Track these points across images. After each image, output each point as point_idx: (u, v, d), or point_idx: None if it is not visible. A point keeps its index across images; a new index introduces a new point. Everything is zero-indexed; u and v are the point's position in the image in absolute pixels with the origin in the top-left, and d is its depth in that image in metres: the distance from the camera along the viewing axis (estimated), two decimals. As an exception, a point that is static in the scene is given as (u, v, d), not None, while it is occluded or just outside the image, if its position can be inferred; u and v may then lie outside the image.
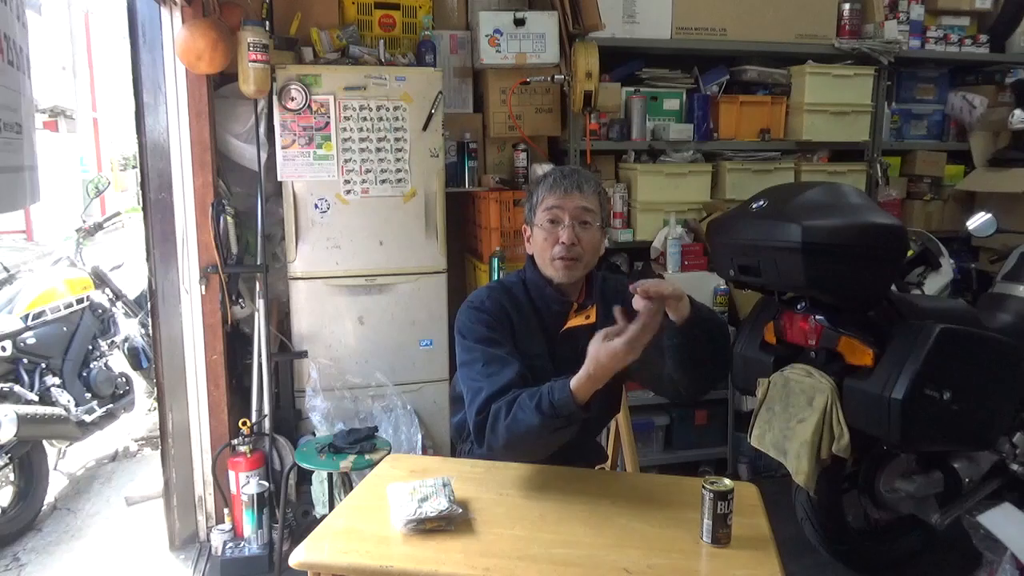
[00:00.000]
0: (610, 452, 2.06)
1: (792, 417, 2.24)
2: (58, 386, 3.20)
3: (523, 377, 1.57)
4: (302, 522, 2.85)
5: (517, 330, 1.70)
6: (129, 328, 3.81)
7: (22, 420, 2.80)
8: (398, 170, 2.89)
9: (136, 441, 3.95)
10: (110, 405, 3.49)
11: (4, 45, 1.17)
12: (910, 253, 2.84)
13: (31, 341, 3.12)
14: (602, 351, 1.39)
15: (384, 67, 2.87)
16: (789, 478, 2.27)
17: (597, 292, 1.78)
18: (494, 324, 1.67)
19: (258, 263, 2.83)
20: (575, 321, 1.71)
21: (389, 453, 2.53)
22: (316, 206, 2.83)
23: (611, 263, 3.43)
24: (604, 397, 1.63)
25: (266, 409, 2.83)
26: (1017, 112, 3.58)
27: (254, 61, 2.58)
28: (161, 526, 2.91)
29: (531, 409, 1.45)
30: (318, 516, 2.76)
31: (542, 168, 3.20)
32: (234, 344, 2.94)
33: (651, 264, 3.42)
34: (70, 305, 3.37)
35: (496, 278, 2.99)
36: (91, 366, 3.45)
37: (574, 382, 1.43)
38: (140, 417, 4.06)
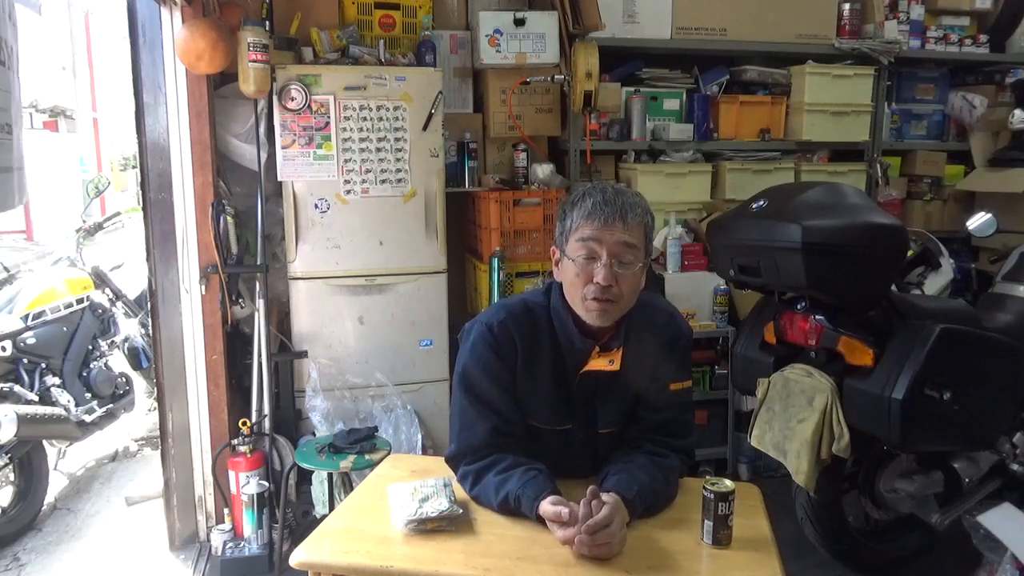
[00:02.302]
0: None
1: (792, 417, 2.24)
2: (58, 386, 3.20)
3: (496, 432, 1.51)
4: (302, 522, 2.84)
5: (524, 367, 1.54)
6: (129, 328, 3.81)
7: (22, 420, 2.80)
8: (398, 170, 2.89)
9: (136, 441, 3.95)
10: (110, 405, 3.49)
11: (-2, 47, 1.16)
12: (910, 253, 2.83)
13: (31, 341, 3.12)
14: (557, 530, 1.32)
15: (384, 67, 2.87)
16: (789, 478, 2.27)
17: (630, 329, 1.54)
18: (492, 362, 1.53)
19: (258, 263, 2.83)
20: (597, 364, 1.51)
21: (389, 453, 2.53)
22: (316, 206, 2.83)
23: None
24: (623, 416, 1.60)
25: (266, 409, 2.82)
26: (1017, 112, 3.58)
27: (254, 61, 2.58)
28: (161, 526, 2.91)
29: (493, 496, 1.43)
30: (318, 516, 2.76)
31: (542, 169, 3.20)
32: (234, 344, 2.94)
33: (651, 264, 3.42)
34: (70, 305, 3.37)
35: (496, 278, 2.99)
36: (91, 366, 3.45)
37: (543, 508, 1.34)
38: (140, 417, 4.06)
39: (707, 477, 1.39)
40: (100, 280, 3.67)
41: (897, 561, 2.66)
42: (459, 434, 1.55)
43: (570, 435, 1.59)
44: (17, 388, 3.00)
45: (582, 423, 1.59)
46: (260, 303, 2.82)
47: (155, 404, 3.40)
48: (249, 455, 2.74)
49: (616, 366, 1.51)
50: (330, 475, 2.57)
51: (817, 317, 2.25)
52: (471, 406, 1.54)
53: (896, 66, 3.71)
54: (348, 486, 2.56)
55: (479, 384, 1.54)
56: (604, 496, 1.32)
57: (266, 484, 2.73)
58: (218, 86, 2.82)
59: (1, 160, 1.21)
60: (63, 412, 3.11)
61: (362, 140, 2.83)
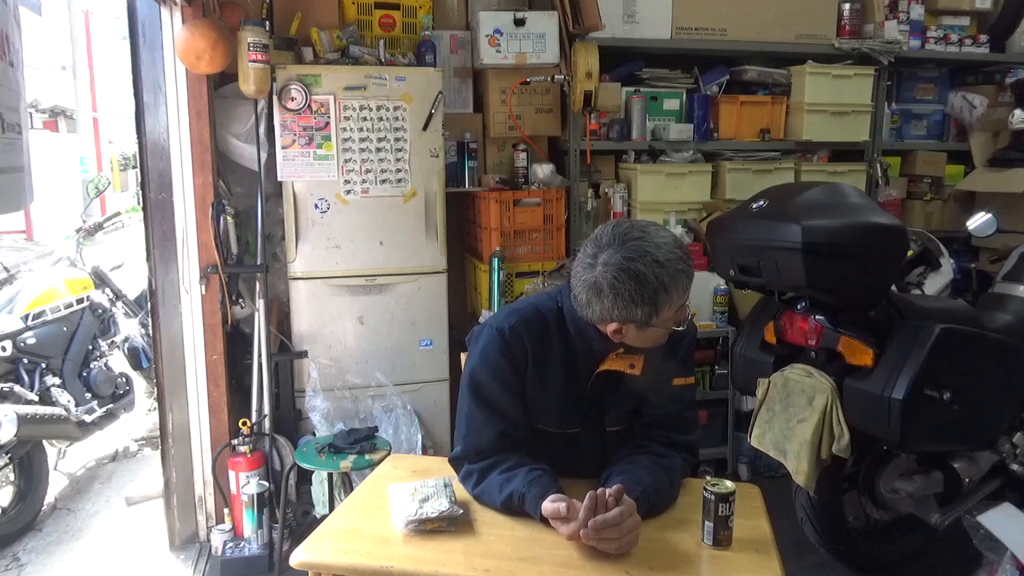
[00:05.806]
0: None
1: (792, 417, 2.24)
2: (58, 386, 3.20)
3: (503, 437, 1.52)
4: (302, 522, 2.85)
5: (534, 372, 1.55)
6: (129, 328, 3.81)
7: (22, 420, 2.80)
8: (398, 170, 2.89)
9: (136, 441, 3.95)
10: (110, 405, 3.49)
11: (6, 47, 1.16)
12: (910, 253, 2.83)
13: (31, 341, 3.12)
14: (561, 527, 1.34)
15: (384, 67, 2.87)
16: (789, 478, 2.27)
17: None
18: (502, 368, 1.53)
19: (258, 263, 2.83)
20: (616, 364, 1.54)
21: (389, 453, 2.53)
22: (316, 206, 2.83)
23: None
24: (630, 413, 1.62)
25: (266, 409, 2.82)
26: (1017, 112, 3.58)
27: (254, 61, 2.58)
28: (161, 526, 2.91)
29: (497, 495, 1.44)
30: (318, 516, 2.76)
31: (542, 169, 3.20)
32: (234, 344, 2.94)
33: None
34: (70, 305, 3.36)
35: (496, 278, 2.99)
36: (91, 366, 3.45)
37: (544, 507, 1.36)
38: (140, 417, 4.06)
39: (707, 478, 1.39)
40: (100, 280, 3.67)
41: (897, 561, 2.66)
42: (465, 437, 1.56)
43: (579, 437, 1.60)
44: (17, 388, 3.00)
45: (590, 423, 1.60)
46: (260, 303, 2.82)
47: (155, 404, 3.40)
48: (249, 455, 2.74)
49: (637, 371, 1.53)
50: (330, 475, 2.57)
51: (817, 317, 2.25)
52: (479, 410, 1.54)
53: (896, 66, 3.71)
54: (348, 486, 2.56)
55: (488, 389, 1.54)
56: (626, 497, 1.33)
57: (266, 484, 2.73)
58: (218, 86, 2.82)
59: (13, 160, 1.21)
60: (63, 412, 3.10)
61: (362, 140, 2.83)
